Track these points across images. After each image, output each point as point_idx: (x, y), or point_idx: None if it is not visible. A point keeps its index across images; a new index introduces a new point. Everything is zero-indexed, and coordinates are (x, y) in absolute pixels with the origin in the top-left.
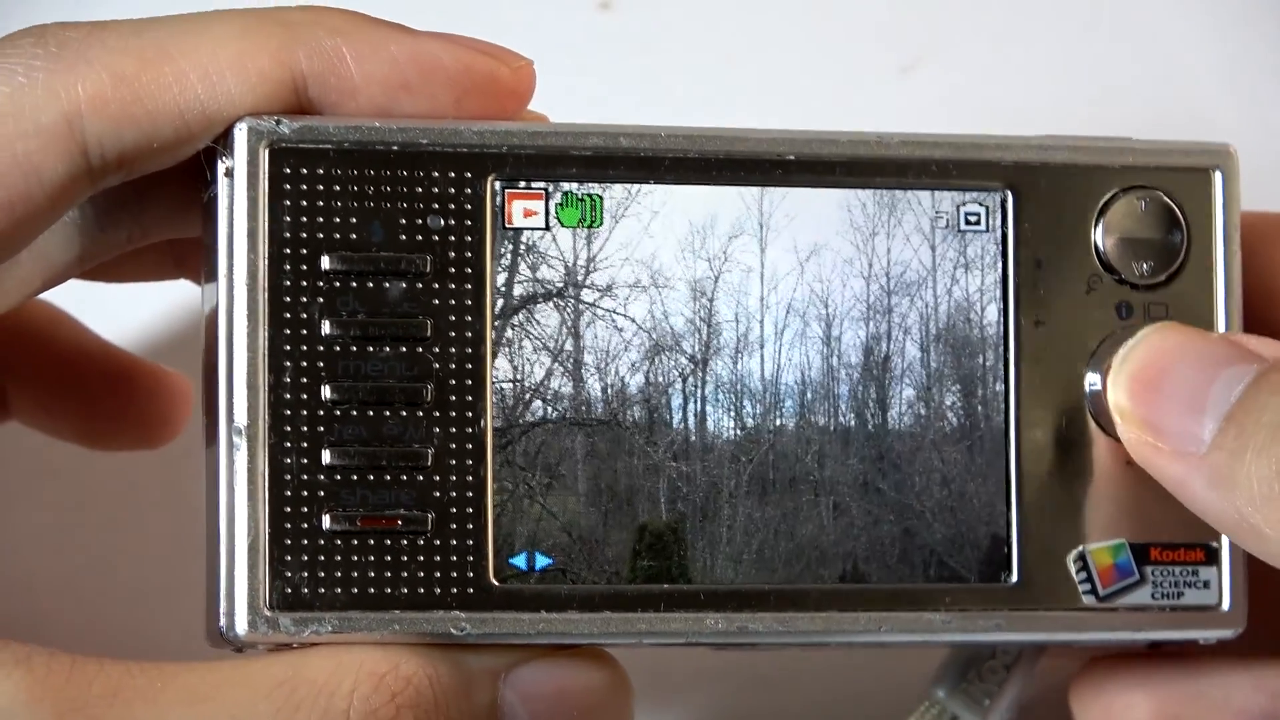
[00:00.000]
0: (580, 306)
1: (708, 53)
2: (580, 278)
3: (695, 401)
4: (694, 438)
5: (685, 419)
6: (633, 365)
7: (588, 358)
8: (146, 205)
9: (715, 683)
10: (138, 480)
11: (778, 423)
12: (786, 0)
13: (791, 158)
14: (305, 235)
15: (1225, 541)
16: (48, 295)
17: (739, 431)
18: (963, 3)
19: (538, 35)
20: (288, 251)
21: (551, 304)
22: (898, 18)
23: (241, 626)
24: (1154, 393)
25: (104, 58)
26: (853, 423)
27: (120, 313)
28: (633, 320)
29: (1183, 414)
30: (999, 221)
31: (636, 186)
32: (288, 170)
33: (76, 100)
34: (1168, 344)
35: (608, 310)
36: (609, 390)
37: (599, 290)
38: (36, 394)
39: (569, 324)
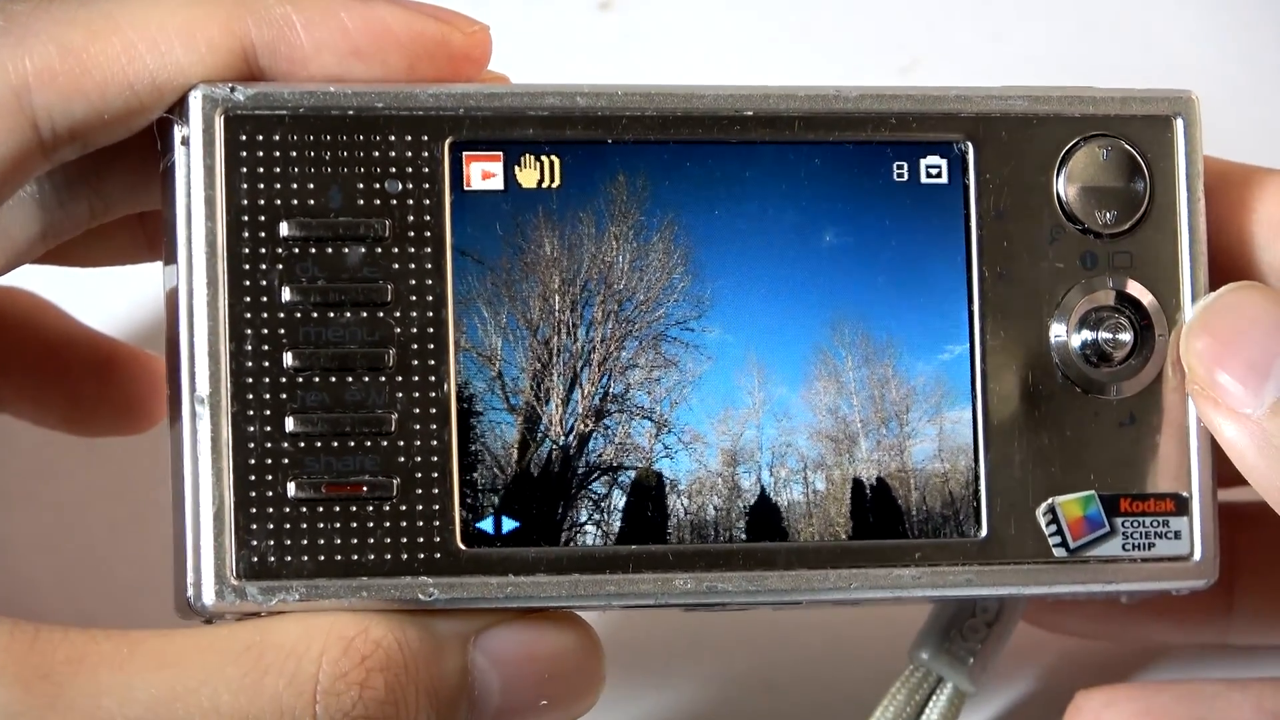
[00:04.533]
0: (542, 268)
1: (707, 52)
2: (541, 239)
3: (658, 358)
4: (662, 397)
5: (649, 378)
6: (595, 327)
7: (550, 320)
8: (106, 178)
9: (696, 652)
10: (133, 473)
11: (743, 381)
12: (786, 1)
13: (750, 113)
14: (263, 202)
15: (1196, 492)
16: (31, 285)
17: (706, 392)
18: (962, 3)
19: (538, 35)
20: (246, 219)
21: (511, 265)
22: (898, 18)
23: (209, 596)
24: (1222, 348)
25: (51, 30)
26: (819, 382)
27: (105, 301)
28: (595, 279)
29: (1246, 375)
30: (959, 173)
31: (596, 147)
32: (243, 137)
33: (24, 73)
34: (1248, 303)
35: (570, 272)
36: (570, 352)
37: (561, 251)
38: (21, 382)
39: (530, 285)
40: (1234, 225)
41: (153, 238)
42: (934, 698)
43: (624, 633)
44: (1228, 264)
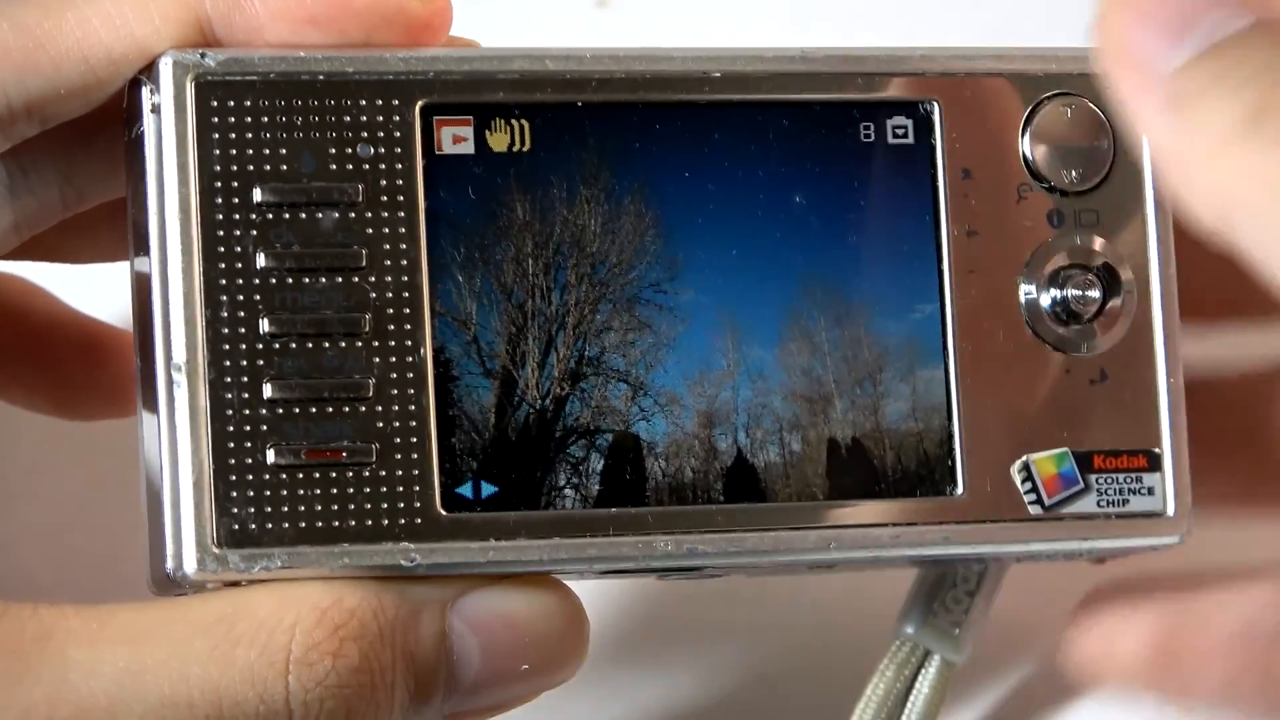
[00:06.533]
0: (515, 232)
1: None
2: (513, 203)
3: (632, 321)
4: (637, 360)
5: (624, 341)
6: (569, 290)
7: (524, 284)
8: (75, 164)
9: (688, 638)
10: (128, 462)
11: (718, 343)
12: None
13: (718, 75)
14: (236, 168)
15: (1167, 447)
16: (21, 270)
17: (681, 354)
18: (962, 2)
19: (535, 33)
20: (219, 185)
21: (484, 229)
22: (896, 17)
23: (190, 565)
24: (1140, 5)
25: (4, 7)
26: (793, 344)
27: (94, 288)
28: (568, 243)
29: (1162, 31)
30: (926, 133)
31: (565, 110)
32: (215, 103)
33: None
34: None
35: (542, 235)
36: (545, 315)
37: (533, 215)
38: (10, 365)
39: (503, 249)
40: None
41: None
42: (923, 670)
43: (615, 614)
44: None
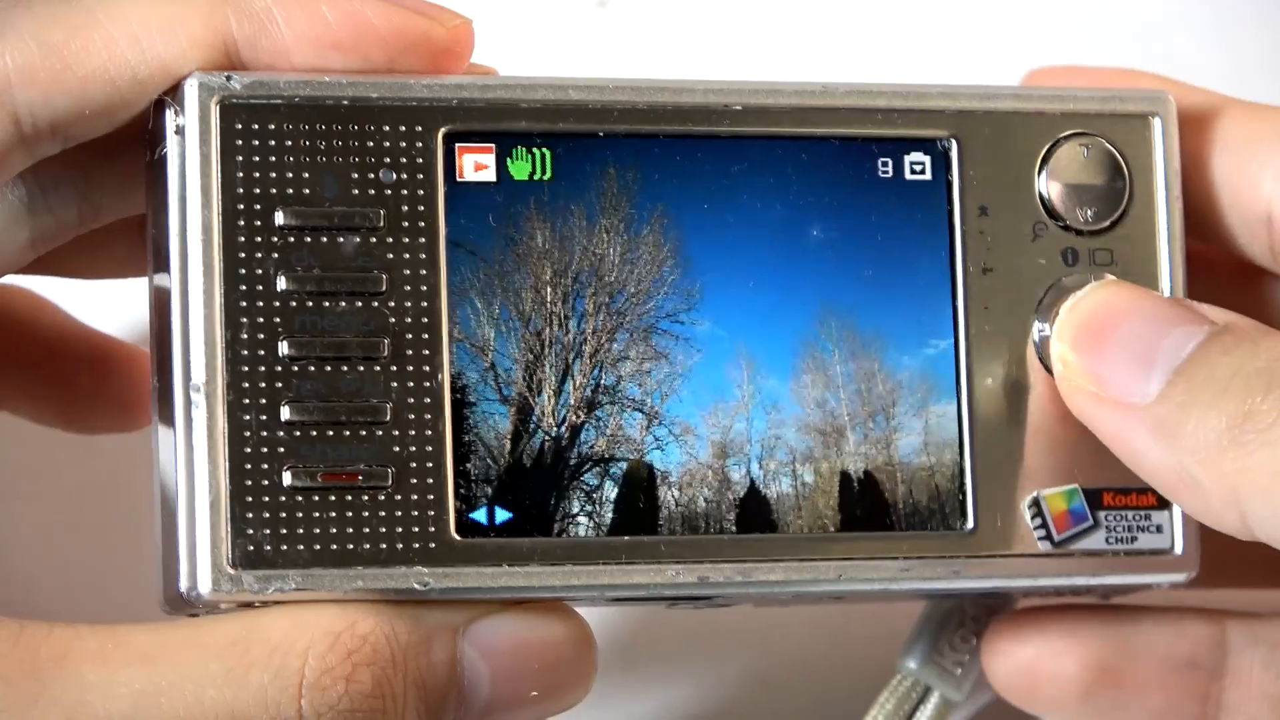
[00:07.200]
0: (534, 260)
1: (705, 51)
2: (533, 231)
3: (649, 351)
4: (653, 389)
5: (640, 370)
6: (587, 319)
7: (542, 312)
8: (94, 182)
9: (691, 652)
10: (132, 470)
11: (733, 374)
12: None
13: (739, 107)
14: (258, 191)
15: None
16: (30, 283)
17: (696, 384)
18: (964, 5)
19: (536, 33)
20: (241, 207)
21: (504, 257)
22: (896, 15)
23: (205, 585)
24: (1102, 343)
25: (32, 26)
26: (807, 376)
27: (104, 303)
28: (586, 272)
29: (1130, 365)
30: (943, 170)
31: (586, 139)
32: (239, 126)
33: (6, 70)
34: (1119, 300)
35: (561, 264)
36: (562, 343)
37: (552, 243)
38: (18, 379)
39: (522, 277)
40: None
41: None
42: (921, 706)
43: (620, 632)
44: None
